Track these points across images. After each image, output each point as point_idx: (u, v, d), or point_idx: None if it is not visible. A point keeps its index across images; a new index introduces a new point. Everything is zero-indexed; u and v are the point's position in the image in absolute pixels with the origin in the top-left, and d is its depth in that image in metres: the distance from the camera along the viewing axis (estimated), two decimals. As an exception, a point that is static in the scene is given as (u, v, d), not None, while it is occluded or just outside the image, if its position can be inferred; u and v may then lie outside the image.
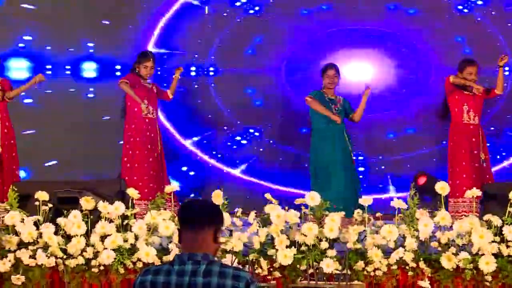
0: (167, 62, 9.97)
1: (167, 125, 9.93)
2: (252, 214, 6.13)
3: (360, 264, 5.95)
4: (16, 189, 6.33)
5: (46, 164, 9.71)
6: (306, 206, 6.16)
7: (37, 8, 9.95)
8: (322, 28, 9.98)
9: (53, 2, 10.01)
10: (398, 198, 6.16)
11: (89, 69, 10.09)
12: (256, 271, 5.94)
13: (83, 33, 9.98)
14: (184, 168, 10.03)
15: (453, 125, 8.46)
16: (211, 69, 10.03)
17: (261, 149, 9.99)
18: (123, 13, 9.97)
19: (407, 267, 5.98)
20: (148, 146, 8.48)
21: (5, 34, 9.93)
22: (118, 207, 6.16)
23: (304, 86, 9.58)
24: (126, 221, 6.20)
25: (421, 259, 5.97)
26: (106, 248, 6.06)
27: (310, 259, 5.91)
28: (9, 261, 6.06)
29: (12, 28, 9.96)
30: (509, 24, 9.76)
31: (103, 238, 6.11)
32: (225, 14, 10.01)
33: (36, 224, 6.16)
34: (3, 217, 6.30)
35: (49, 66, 9.99)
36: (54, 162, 9.75)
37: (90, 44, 10.05)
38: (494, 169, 8.96)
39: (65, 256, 6.07)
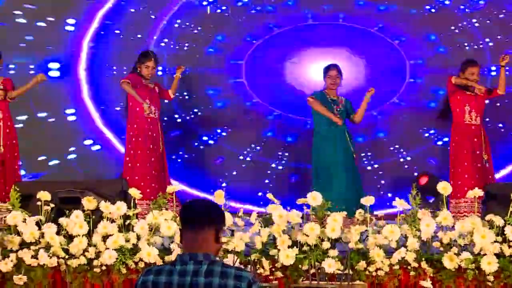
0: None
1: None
2: (254, 214, 6.14)
3: (362, 264, 5.95)
4: (18, 189, 6.33)
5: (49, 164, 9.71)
6: (308, 206, 6.16)
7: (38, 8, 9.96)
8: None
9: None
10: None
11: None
12: (258, 271, 5.94)
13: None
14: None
15: (454, 126, 8.46)
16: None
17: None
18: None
19: (409, 267, 5.98)
20: (150, 146, 8.48)
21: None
22: (120, 207, 6.16)
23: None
24: (128, 221, 6.20)
25: (423, 259, 5.97)
26: (108, 248, 6.06)
27: (312, 259, 5.91)
28: (11, 261, 6.06)
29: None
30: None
31: (105, 238, 6.11)
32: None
33: (38, 224, 6.17)
34: (5, 217, 6.30)
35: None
36: (56, 162, 9.76)
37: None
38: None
39: (67, 256, 6.08)
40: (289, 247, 5.96)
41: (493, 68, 9.54)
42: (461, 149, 8.33)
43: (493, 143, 8.68)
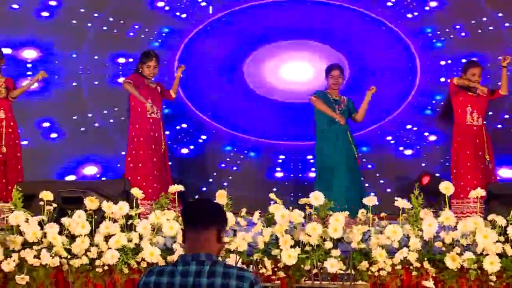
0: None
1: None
2: (257, 214, 6.14)
3: (364, 264, 5.95)
4: (20, 189, 6.34)
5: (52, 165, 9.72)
6: (311, 206, 6.16)
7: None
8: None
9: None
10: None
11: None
12: (260, 271, 5.94)
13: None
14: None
15: (456, 126, 8.45)
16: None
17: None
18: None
19: (411, 267, 5.98)
20: (152, 146, 8.48)
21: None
22: (122, 207, 6.16)
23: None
24: (130, 221, 6.20)
25: (426, 259, 5.97)
26: (110, 248, 6.06)
27: (314, 259, 5.91)
28: (14, 261, 6.06)
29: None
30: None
31: (107, 238, 6.11)
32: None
33: (41, 224, 6.17)
34: (7, 217, 6.30)
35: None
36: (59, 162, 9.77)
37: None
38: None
39: (69, 256, 6.08)
40: (291, 247, 5.96)
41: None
42: (464, 150, 8.32)
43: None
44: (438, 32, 10.04)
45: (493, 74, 9.26)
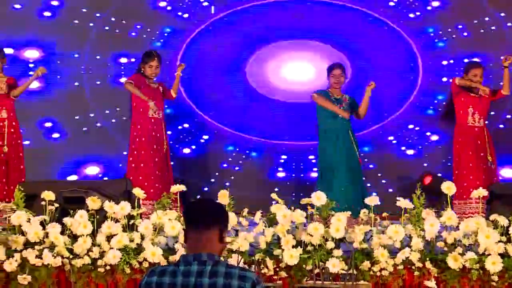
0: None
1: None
2: (258, 214, 6.14)
3: (366, 264, 5.95)
4: (22, 189, 6.34)
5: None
6: (313, 206, 6.16)
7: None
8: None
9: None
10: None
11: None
12: (262, 271, 5.94)
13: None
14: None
15: (457, 127, 8.45)
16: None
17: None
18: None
19: (413, 267, 5.98)
20: (154, 146, 8.48)
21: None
22: (124, 207, 6.16)
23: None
24: (132, 221, 6.20)
25: (427, 259, 5.96)
26: (112, 248, 6.06)
27: (316, 259, 5.91)
28: (16, 260, 6.06)
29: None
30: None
31: (109, 238, 6.11)
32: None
33: (43, 224, 6.17)
34: (9, 216, 6.30)
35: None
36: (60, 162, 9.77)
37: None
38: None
39: (71, 256, 6.08)
40: (293, 247, 5.96)
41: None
42: (465, 151, 8.31)
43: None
44: (440, 32, 10.04)
45: (496, 74, 9.26)
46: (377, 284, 5.97)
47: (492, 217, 6.05)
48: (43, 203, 6.22)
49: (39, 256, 6.06)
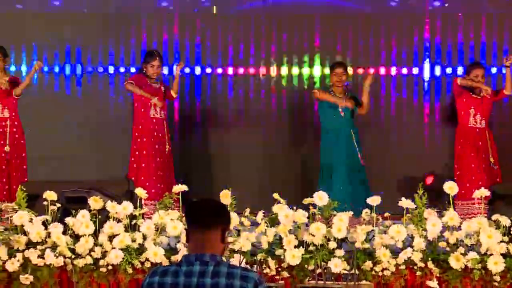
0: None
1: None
2: (260, 214, 6.14)
3: (368, 264, 5.95)
4: (24, 189, 6.34)
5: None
6: (314, 206, 6.16)
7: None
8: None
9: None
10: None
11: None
12: (264, 271, 5.95)
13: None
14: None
15: (459, 128, 8.43)
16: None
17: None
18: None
19: (415, 267, 5.98)
20: (155, 146, 8.47)
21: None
22: (126, 207, 6.16)
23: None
24: (134, 221, 6.20)
25: (430, 259, 5.96)
26: (114, 248, 6.07)
27: (318, 259, 5.91)
28: (18, 260, 6.07)
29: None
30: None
31: (111, 237, 6.12)
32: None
33: (45, 224, 6.18)
34: (11, 216, 6.31)
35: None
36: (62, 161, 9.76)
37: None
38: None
39: (73, 256, 6.09)
40: (295, 247, 5.96)
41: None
42: (467, 152, 8.29)
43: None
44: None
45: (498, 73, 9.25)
46: (379, 284, 5.97)
47: (494, 217, 6.05)
48: (45, 203, 6.23)
49: (41, 256, 6.06)
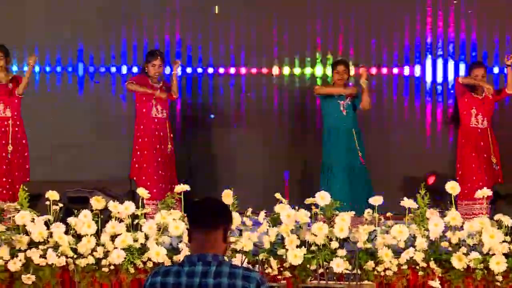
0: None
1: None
2: (262, 213, 6.14)
3: (370, 264, 5.94)
4: (26, 189, 6.34)
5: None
6: (317, 205, 6.16)
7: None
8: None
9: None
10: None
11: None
12: (266, 271, 5.95)
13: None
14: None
15: (461, 128, 8.43)
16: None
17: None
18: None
19: (417, 267, 5.97)
20: (157, 146, 8.46)
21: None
22: (128, 207, 6.17)
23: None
24: (136, 221, 6.20)
25: (432, 259, 5.96)
26: (116, 248, 6.07)
27: (320, 259, 5.91)
28: (20, 260, 6.07)
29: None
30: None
31: (113, 237, 6.12)
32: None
33: (47, 224, 6.18)
34: (13, 216, 6.31)
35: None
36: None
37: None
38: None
39: (75, 256, 6.09)
40: (297, 246, 5.97)
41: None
42: (468, 152, 8.29)
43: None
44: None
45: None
46: (381, 284, 5.97)
47: (496, 217, 6.05)
48: (47, 203, 6.23)
49: (43, 256, 6.07)
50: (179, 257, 5.94)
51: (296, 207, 6.13)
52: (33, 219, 6.18)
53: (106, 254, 6.09)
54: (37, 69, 9.80)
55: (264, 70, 9.93)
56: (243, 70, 9.91)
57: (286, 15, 9.92)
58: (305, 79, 9.93)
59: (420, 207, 6.11)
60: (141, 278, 6.05)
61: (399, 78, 9.89)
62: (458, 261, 5.90)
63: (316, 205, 6.19)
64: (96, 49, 10.02)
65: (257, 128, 9.92)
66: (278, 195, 6.18)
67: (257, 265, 5.93)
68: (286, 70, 9.88)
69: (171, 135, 8.59)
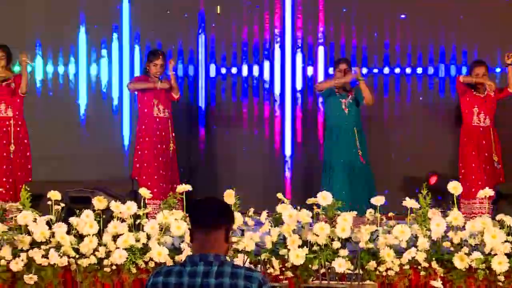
0: None
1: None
2: (264, 213, 6.14)
3: (372, 264, 5.95)
4: (28, 189, 6.35)
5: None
6: (318, 205, 6.16)
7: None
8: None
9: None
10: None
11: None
12: (268, 271, 5.95)
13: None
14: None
15: (463, 127, 8.43)
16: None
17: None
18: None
19: (419, 267, 5.97)
20: (158, 146, 8.47)
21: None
22: (130, 207, 6.17)
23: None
24: (138, 221, 6.21)
25: (434, 259, 5.96)
26: (118, 248, 6.07)
27: (322, 259, 5.91)
28: (22, 260, 6.08)
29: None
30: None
31: (115, 237, 6.12)
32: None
33: (49, 224, 6.18)
34: (15, 216, 6.32)
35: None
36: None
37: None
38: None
39: (77, 256, 6.09)
40: (299, 246, 5.97)
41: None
42: (469, 151, 8.30)
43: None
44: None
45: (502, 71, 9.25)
46: (383, 284, 5.97)
47: (498, 217, 6.05)
48: (49, 203, 6.23)
49: (45, 256, 6.07)
50: (181, 257, 5.95)
51: (298, 207, 6.13)
52: (35, 219, 6.18)
53: (108, 254, 6.10)
54: (39, 70, 9.81)
55: (266, 70, 9.94)
56: (244, 70, 9.92)
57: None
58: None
59: (422, 207, 6.10)
60: (143, 278, 6.05)
61: (400, 77, 9.88)
62: (460, 261, 5.90)
63: (318, 205, 6.19)
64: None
65: (259, 128, 9.92)
66: (280, 195, 6.18)
67: (259, 265, 5.93)
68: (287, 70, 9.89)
69: (174, 134, 8.60)
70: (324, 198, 6.11)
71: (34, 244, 6.13)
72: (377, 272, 5.95)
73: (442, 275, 5.95)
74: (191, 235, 3.55)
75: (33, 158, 8.57)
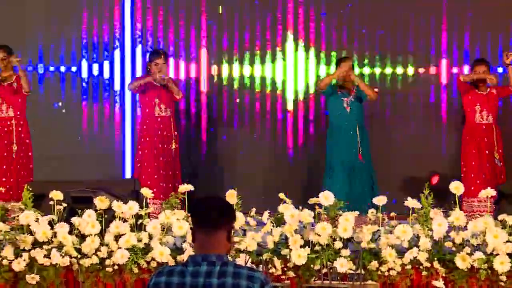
0: None
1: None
2: (266, 213, 6.14)
3: (374, 264, 5.94)
4: (30, 189, 6.35)
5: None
6: (320, 205, 6.16)
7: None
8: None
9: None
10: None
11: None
12: (270, 271, 5.95)
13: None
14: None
15: (466, 125, 8.44)
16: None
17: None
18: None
19: (421, 267, 5.97)
20: (158, 146, 8.46)
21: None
22: (132, 207, 6.17)
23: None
24: (140, 221, 6.21)
25: (435, 259, 5.96)
26: (120, 248, 6.08)
27: (324, 259, 5.91)
28: (24, 260, 6.08)
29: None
30: None
31: (117, 237, 6.12)
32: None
33: (51, 224, 6.18)
34: (17, 216, 6.32)
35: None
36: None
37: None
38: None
39: (79, 256, 6.09)
40: (301, 246, 5.97)
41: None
42: (470, 149, 8.30)
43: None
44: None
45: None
46: (385, 284, 5.97)
47: (500, 217, 6.05)
48: (51, 202, 6.24)
49: (47, 256, 6.07)
50: (183, 257, 5.95)
51: (300, 207, 6.13)
52: (37, 219, 6.18)
53: (110, 254, 6.10)
54: (41, 70, 9.82)
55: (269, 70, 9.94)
56: (247, 70, 9.92)
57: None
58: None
59: (424, 207, 6.10)
60: (145, 278, 6.05)
61: (402, 77, 9.88)
62: (462, 261, 5.90)
63: (320, 205, 6.19)
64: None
65: (261, 127, 9.92)
66: (282, 195, 6.18)
67: (261, 265, 5.93)
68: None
69: (176, 133, 8.58)
70: (326, 198, 6.11)
71: (36, 244, 6.13)
72: (379, 272, 5.95)
73: (444, 275, 5.95)
74: (193, 235, 3.55)
75: (33, 158, 8.57)
